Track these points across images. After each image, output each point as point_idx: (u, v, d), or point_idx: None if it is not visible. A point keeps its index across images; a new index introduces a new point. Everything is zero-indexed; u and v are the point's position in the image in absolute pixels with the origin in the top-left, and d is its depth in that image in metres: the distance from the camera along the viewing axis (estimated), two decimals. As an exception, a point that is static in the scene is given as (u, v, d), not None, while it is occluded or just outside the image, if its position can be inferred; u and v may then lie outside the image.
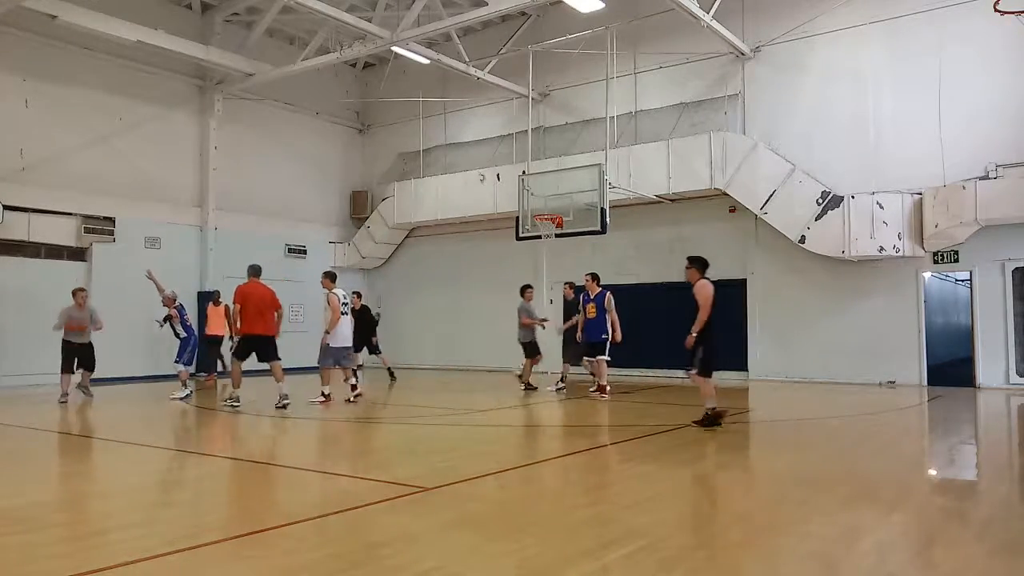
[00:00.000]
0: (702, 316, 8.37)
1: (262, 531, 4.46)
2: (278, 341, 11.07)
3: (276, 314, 10.98)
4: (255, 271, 11.13)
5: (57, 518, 4.89)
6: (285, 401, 10.52)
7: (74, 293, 12.30)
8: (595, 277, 12.32)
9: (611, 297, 11.97)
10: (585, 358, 12.48)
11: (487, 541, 4.36)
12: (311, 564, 3.82)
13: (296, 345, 15.21)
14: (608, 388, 11.92)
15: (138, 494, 5.73)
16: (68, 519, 4.98)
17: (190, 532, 4.58)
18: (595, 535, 4.37)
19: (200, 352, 14.38)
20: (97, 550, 4.17)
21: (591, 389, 12.09)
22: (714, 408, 8.50)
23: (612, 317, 11.86)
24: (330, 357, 11.42)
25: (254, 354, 10.96)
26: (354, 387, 11.48)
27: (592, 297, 12.11)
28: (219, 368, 15.12)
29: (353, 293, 14.93)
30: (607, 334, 11.86)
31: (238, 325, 10.86)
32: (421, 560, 3.92)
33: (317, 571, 3.73)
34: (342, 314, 11.34)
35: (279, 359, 10.95)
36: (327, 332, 11.35)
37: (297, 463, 7.35)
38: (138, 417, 10.96)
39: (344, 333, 11.47)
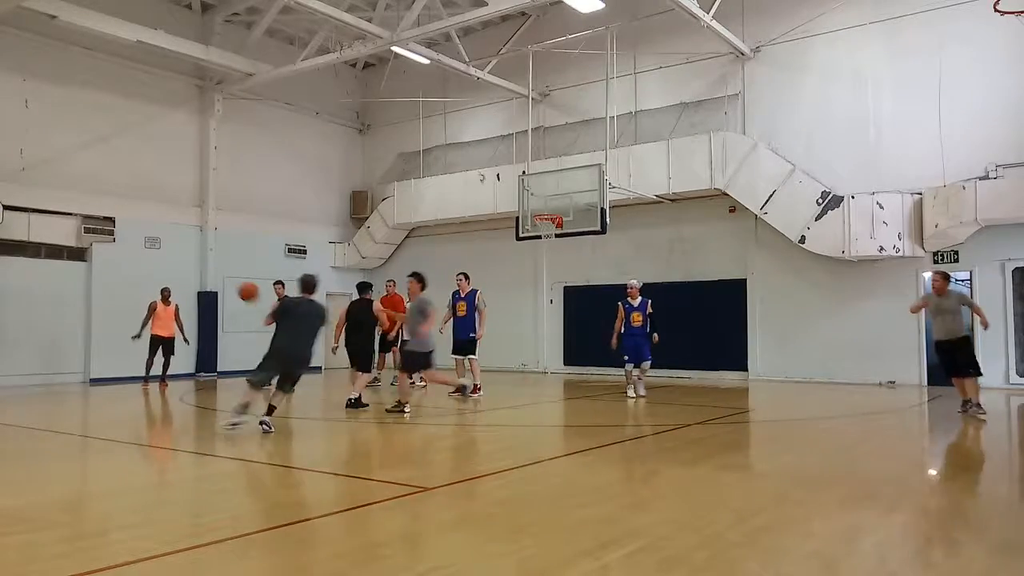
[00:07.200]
0: None
1: (262, 531, 4.46)
2: None
3: None
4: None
5: (57, 518, 4.89)
6: None
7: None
8: (466, 276, 12.67)
9: (482, 296, 12.43)
10: (456, 356, 12.52)
11: (487, 541, 4.36)
12: (311, 564, 3.82)
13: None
14: (480, 387, 12.12)
15: (138, 494, 5.72)
16: (68, 519, 4.98)
17: (190, 532, 4.58)
18: (595, 535, 4.36)
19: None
20: (97, 550, 4.17)
21: (450, 391, 11.73)
22: None
23: (482, 316, 12.30)
24: None
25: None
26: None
27: (463, 296, 12.54)
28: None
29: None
30: (475, 332, 12.30)
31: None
32: (421, 560, 3.92)
33: (317, 571, 3.73)
34: None
35: None
36: None
37: (297, 463, 7.35)
38: (132, 417, 10.96)
39: None
